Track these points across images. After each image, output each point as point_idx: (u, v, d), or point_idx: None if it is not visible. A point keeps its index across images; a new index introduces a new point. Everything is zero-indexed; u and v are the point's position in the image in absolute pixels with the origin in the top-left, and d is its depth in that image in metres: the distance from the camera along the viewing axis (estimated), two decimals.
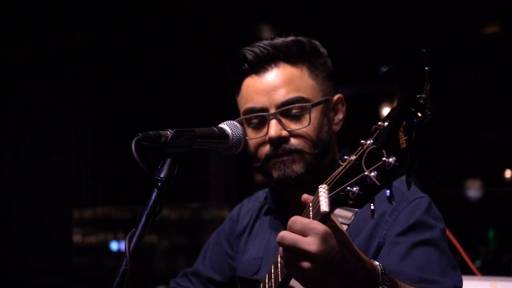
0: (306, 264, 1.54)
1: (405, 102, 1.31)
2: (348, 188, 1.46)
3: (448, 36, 4.89)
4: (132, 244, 1.67)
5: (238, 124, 1.99)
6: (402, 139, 1.29)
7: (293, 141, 2.22)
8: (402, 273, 1.89)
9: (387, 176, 1.35)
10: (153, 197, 1.74)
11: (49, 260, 6.40)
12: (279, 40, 2.28)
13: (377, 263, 1.67)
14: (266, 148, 2.24)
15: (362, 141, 1.46)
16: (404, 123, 1.31)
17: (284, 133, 2.21)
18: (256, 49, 2.27)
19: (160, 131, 1.79)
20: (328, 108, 2.30)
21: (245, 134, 2.01)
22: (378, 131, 1.40)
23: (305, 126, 2.22)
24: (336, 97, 2.35)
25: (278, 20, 5.50)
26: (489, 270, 4.36)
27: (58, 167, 6.56)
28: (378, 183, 1.37)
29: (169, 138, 1.78)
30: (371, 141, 1.42)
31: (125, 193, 6.10)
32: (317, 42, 2.34)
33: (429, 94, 1.33)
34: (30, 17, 6.12)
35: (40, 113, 6.73)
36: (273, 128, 2.21)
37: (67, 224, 6.11)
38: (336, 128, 2.35)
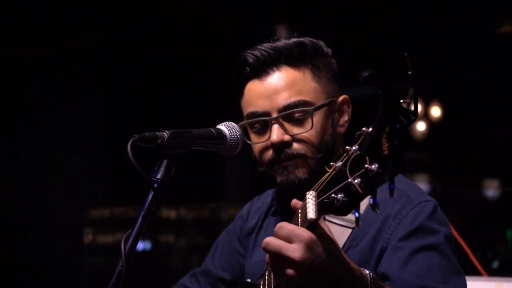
0: (290, 271, 1.53)
1: (388, 108, 1.28)
2: (333, 195, 1.44)
3: (466, 36, 4.85)
4: (128, 245, 1.68)
5: (236, 125, 1.97)
6: (385, 145, 1.27)
7: (295, 145, 2.17)
8: (401, 280, 1.86)
9: (370, 183, 1.33)
10: (149, 198, 1.74)
11: (63, 259, 6.43)
12: (280, 42, 2.23)
13: (367, 272, 1.65)
14: (269, 153, 2.20)
15: (347, 147, 1.44)
16: (387, 129, 1.29)
17: (287, 137, 2.17)
18: (257, 52, 2.22)
19: (157, 132, 1.79)
20: (332, 110, 2.25)
21: (243, 135, 2.00)
22: (362, 137, 1.38)
23: (308, 130, 2.17)
24: (341, 98, 2.29)
25: (284, 19, 5.49)
26: (507, 270, 4.35)
27: (75, 167, 6.59)
28: (360, 191, 1.36)
29: (165, 139, 1.78)
30: (356, 147, 1.41)
31: (142, 193, 6.12)
32: (321, 42, 2.28)
33: (413, 98, 1.31)
34: (45, 19, 6.17)
35: (55, 112, 6.78)
36: (275, 133, 2.16)
37: (83, 224, 6.14)
38: (342, 130, 2.30)
